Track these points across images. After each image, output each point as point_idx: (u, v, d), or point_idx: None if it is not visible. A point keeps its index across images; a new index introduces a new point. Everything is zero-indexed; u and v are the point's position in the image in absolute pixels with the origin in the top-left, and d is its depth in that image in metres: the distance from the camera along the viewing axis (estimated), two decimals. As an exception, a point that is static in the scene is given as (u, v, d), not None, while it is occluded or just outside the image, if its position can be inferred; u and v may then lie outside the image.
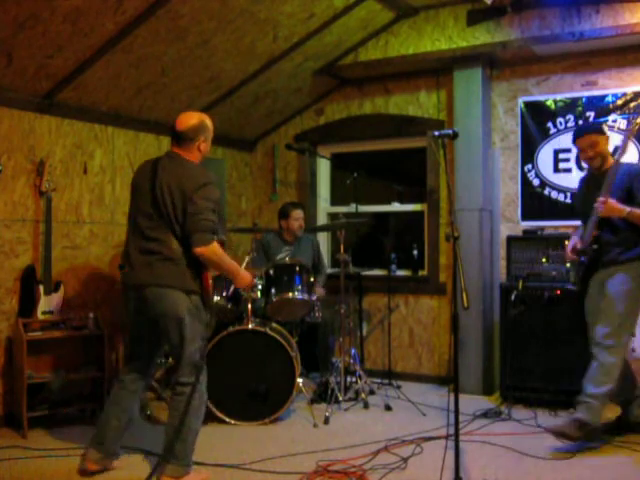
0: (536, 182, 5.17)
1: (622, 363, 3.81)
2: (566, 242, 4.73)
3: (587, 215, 3.90)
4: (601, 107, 4.95)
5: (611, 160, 3.91)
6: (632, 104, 4.84)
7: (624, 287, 3.79)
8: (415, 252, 5.77)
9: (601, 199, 3.73)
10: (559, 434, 3.76)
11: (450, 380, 4.88)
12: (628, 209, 3.71)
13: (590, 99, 4.99)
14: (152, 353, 3.52)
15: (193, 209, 3.19)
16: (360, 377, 4.85)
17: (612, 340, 3.77)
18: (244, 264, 4.52)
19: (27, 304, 4.26)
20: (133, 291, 3.35)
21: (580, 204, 4.15)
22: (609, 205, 3.71)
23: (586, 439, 3.76)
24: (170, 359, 4.89)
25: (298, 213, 5.36)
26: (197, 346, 3.31)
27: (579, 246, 3.96)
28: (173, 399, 3.32)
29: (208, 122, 3.43)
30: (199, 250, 3.19)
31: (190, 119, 3.38)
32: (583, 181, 4.19)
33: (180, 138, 3.38)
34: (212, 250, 3.23)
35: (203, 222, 3.20)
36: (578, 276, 4.05)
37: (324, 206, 6.27)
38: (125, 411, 3.46)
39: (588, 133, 3.94)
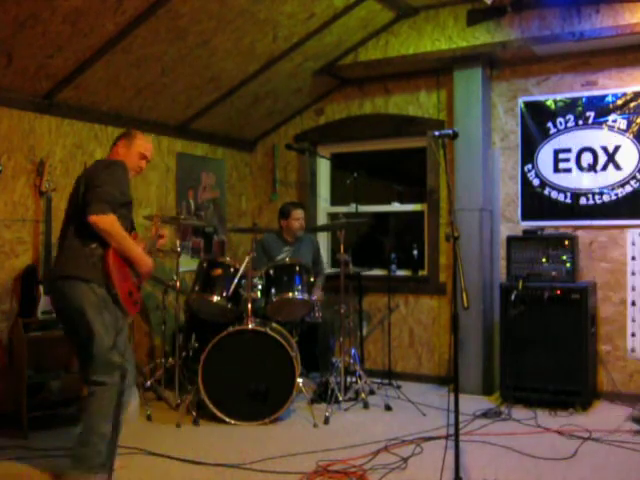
0: (536, 182, 5.17)
1: None
2: (566, 242, 4.76)
3: None
4: (601, 107, 4.95)
5: None
6: (632, 104, 4.84)
7: None
8: (415, 252, 5.77)
9: None
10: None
11: (450, 380, 4.88)
12: None
13: (590, 99, 4.99)
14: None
15: (94, 183, 3.17)
16: (360, 377, 4.85)
17: None
18: (244, 264, 4.52)
19: (27, 304, 4.26)
20: (48, 288, 3.31)
21: None
22: None
23: None
24: (170, 359, 4.91)
25: (299, 213, 5.35)
26: (109, 342, 3.15)
27: None
28: (85, 399, 3.19)
29: (139, 137, 3.52)
30: (92, 219, 3.09)
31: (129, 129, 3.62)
32: None
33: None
34: (107, 221, 3.11)
35: (101, 193, 3.13)
36: None
37: (324, 206, 6.27)
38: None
39: None
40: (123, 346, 3.23)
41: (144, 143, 3.52)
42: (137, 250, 3.31)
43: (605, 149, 4.93)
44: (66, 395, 4.36)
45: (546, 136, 5.14)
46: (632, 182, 4.84)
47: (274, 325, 4.65)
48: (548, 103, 5.13)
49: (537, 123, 5.16)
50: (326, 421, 4.35)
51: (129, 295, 3.29)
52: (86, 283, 3.14)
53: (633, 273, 4.85)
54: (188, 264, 5.43)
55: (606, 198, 4.92)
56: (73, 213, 3.29)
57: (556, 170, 5.10)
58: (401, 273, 5.83)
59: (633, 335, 4.84)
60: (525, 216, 5.21)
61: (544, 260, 4.77)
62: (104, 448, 3.11)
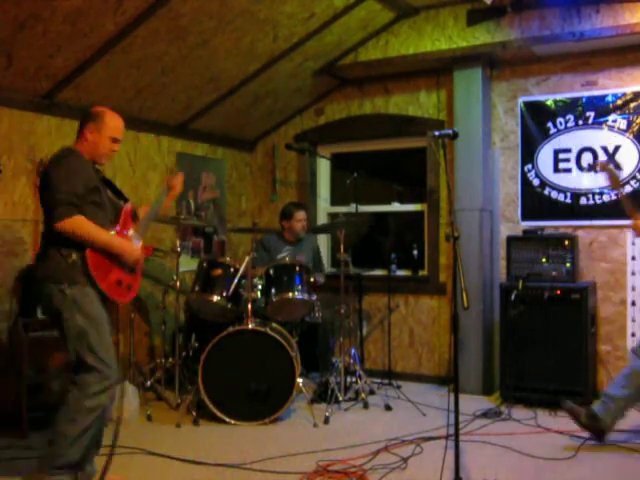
0: (536, 182, 5.17)
1: None
2: (566, 242, 4.77)
3: None
4: (601, 107, 4.95)
5: None
6: (632, 104, 4.84)
7: None
8: (415, 252, 5.77)
9: (633, 221, 3.77)
10: (571, 412, 3.84)
11: (450, 380, 4.87)
12: None
13: (590, 99, 4.98)
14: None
15: (50, 186, 3.04)
16: (360, 377, 4.85)
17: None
18: (244, 264, 4.52)
19: (27, 304, 4.26)
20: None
21: None
22: (639, 227, 3.74)
23: (591, 432, 3.79)
24: (170, 359, 4.91)
25: (301, 214, 5.35)
26: (83, 344, 3.03)
27: None
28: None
29: (108, 118, 3.22)
30: (58, 227, 2.98)
31: (95, 109, 3.28)
32: None
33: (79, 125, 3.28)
34: (73, 223, 2.99)
35: (59, 196, 2.99)
36: None
37: (324, 206, 6.27)
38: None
39: None
40: (104, 348, 3.08)
41: (114, 123, 3.23)
42: (115, 242, 3.15)
43: (605, 149, 4.93)
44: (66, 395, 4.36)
45: (546, 136, 5.14)
46: (632, 182, 4.84)
47: (274, 325, 4.65)
48: (548, 103, 5.13)
49: (537, 123, 5.16)
50: (326, 421, 4.35)
51: (118, 285, 3.18)
52: (55, 284, 3.04)
53: (633, 273, 4.85)
54: (188, 264, 5.43)
55: (606, 198, 4.92)
56: (44, 216, 3.15)
57: (556, 170, 5.10)
58: (401, 273, 5.83)
59: (633, 335, 4.84)
60: (525, 216, 5.21)
61: (544, 260, 4.77)
62: (70, 450, 3.01)
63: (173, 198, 3.68)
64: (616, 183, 3.88)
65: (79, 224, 3.01)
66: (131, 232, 3.30)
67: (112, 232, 3.20)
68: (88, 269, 3.04)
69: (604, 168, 3.91)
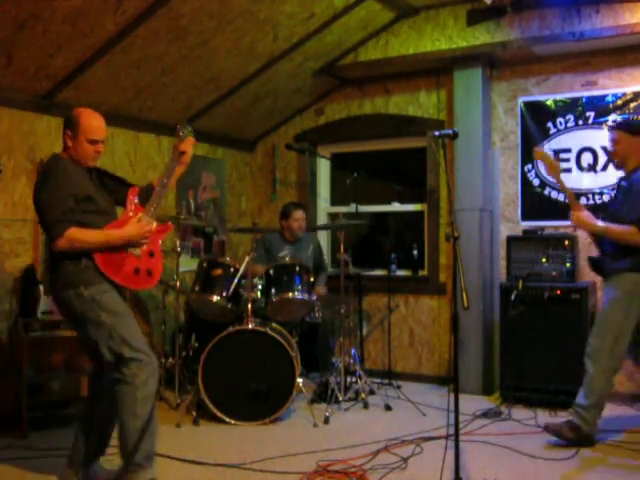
0: (536, 182, 5.17)
1: (605, 375, 3.75)
2: (566, 242, 4.77)
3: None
4: (601, 107, 4.94)
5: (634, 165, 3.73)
6: (632, 104, 4.84)
7: (608, 299, 3.77)
8: (415, 252, 5.77)
9: (572, 212, 3.75)
10: (555, 432, 3.83)
11: (450, 380, 4.88)
12: (602, 225, 3.67)
13: (590, 99, 4.98)
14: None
15: (39, 205, 3.05)
16: (360, 377, 4.85)
17: (593, 351, 3.79)
18: (244, 264, 4.52)
19: (27, 304, 4.26)
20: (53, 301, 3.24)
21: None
22: (578, 218, 3.72)
23: (579, 441, 3.78)
24: (170, 359, 4.91)
25: (299, 214, 5.35)
26: (114, 340, 3.04)
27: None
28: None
29: (83, 119, 3.11)
30: (55, 246, 2.98)
31: (72, 112, 3.18)
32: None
33: None
34: (67, 239, 2.97)
35: (49, 215, 2.99)
36: None
37: (324, 206, 6.27)
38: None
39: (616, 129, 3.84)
40: (135, 337, 3.09)
41: (90, 125, 3.11)
42: (113, 236, 3.09)
43: (605, 149, 4.92)
44: (66, 395, 4.37)
45: (546, 136, 5.14)
46: (632, 182, 4.84)
47: (274, 325, 4.65)
48: (548, 103, 5.13)
49: (537, 123, 5.16)
50: (326, 421, 4.35)
51: (135, 273, 3.14)
52: (73, 289, 3.04)
53: (633, 273, 4.84)
54: (188, 264, 5.43)
55: (606, 198, 4.92)
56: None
57: (556, 170, 5.10)
58: (401, 273, 5.83)
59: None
60: (525, 216, 5.21)
61: (544, 260, 4.77)
62: (142, 443, 3.03)
63: (185, 164, 3.41)
64: (553, 169, 3.81)
65: (73, 237, 2.98)
66: (139, 215, 3.22)
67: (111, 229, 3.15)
68: (100, 270, 3.06)
69: (539, 155, 3.87)
